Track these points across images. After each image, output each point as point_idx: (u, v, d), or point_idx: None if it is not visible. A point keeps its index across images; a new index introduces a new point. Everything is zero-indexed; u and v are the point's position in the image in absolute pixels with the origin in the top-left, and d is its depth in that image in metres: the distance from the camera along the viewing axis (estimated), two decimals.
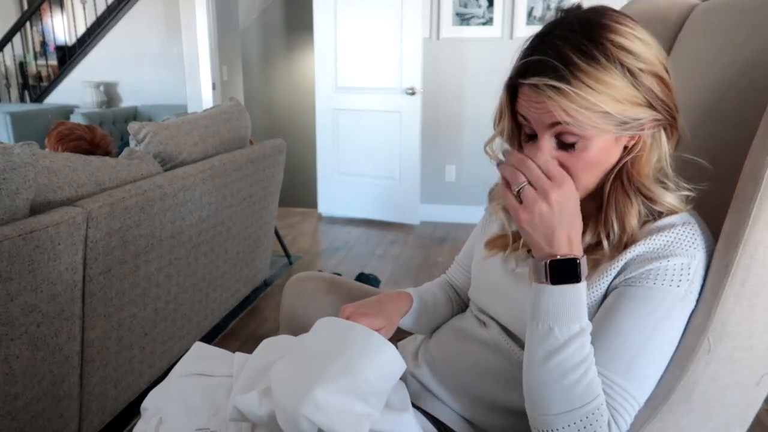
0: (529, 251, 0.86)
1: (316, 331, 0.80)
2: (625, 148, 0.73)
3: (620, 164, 0.73)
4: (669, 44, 1.06)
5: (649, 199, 0.73)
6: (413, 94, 3.70)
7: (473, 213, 3.92)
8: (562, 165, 0.71)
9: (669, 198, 0.73)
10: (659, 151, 0.73)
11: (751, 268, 0.68)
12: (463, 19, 3.77)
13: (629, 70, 0.66)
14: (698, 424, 0.74)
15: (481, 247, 0.94)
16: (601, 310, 0.73)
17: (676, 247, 0.70)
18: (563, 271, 0.68)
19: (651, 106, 0.69)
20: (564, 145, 0.70)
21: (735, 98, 0.83)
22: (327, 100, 3.97)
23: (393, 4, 3.62)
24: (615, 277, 0.73)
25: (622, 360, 0.68)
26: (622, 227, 0.73)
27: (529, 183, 0.67)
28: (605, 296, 0.74)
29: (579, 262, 0.68)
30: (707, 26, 0.97)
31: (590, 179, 0.74)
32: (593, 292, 0.74)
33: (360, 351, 0.73)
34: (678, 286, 0.69)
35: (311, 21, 3.89)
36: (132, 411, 1.74)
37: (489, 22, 3.73)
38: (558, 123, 0.68)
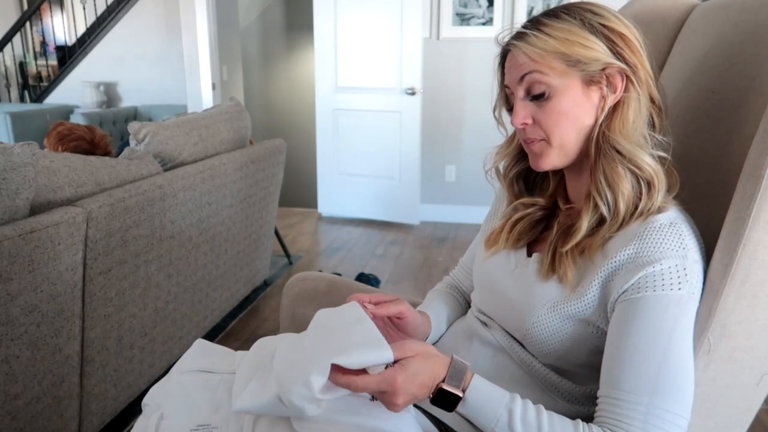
0: (528, 251, 0.87)
1: (336, 314, 0.79)
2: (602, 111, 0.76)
3: (598, 127, 0.76)
4: (669, 44, 1.06)
5: (628, 159, 0.74)
6: (413, 94, 3.70)
7: (473, 213, 3.92)
8: (535, 120, 0.78)
9: (648, 159, 0.74)
10: (634, 111, 0.74)
11: (751, 268, 0.68)
12: (463, 19, 3.76)
13: (590, 24, 0.74)
14: (698, 424, 0.74)
15: (482, 248, 0.94)
16: (611, 331, 0.72)
17: (664, 250, 0.69)
18: (446, 401, 0.71)
19: (613, 55, 0.74)
20: (535, 98, 0.77)
21: (735, 98, 0.83)
22: (327, 100, 3.97)
23: (393, 4, 3.62)
24: (608, 280, 0.72)
25: (646, 377, 0.66)
26: (614, 192, 0.74)
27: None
28: (603, 296, 0.74)
29: (444, 389, 0.70)
30: (707, 26, 0.97)
31: (564, 134, 0.77)
32: (588, 292, 0.74)
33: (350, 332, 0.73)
34: (679, 289, 0.68)
35: (311, 21, 3.89)
36: (132, 411, 1.74)
37: (489, 22, 3.73)
38: (526, 74, 0.76)
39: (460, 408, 0.71)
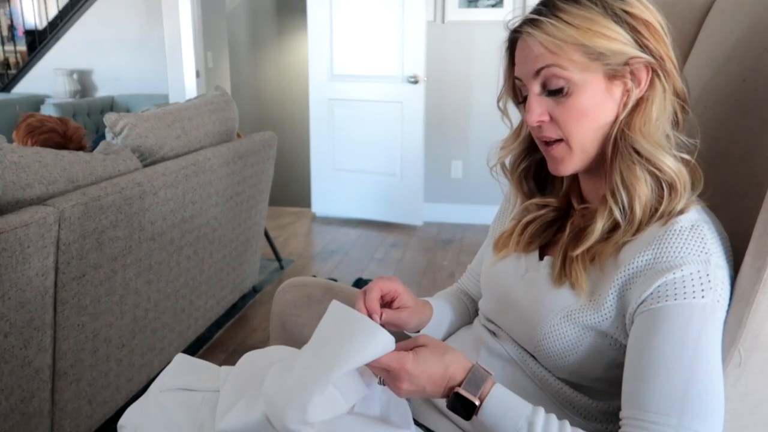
0: (540, 254, 0.87)
1: (322, 325, 0.80)
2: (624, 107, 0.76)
3: (618, 125, 0.76)
4: (696, 27, 1.06)
5: (647, 160, 0.74)
6: (416, 82, 3.70)
7: (482, 213, 3.92)
8: (552, 118, 0.77)
9: (669, 161, 0.73)
10: (658, 107, 0.74)
11: None
12: (470, 0, 3.77)
13: (612, 11, 0.73)
14: None
15: (490, 252, 0.94)
16: (630, 346, 0.72)
17: (685, 255, 0.70)
18: (463, 407, 0.72)
19: (638, 47, 0.73)
20: (552, 93, 0.76)
21: None
22: (322, 88, 3.97)
23: None
24: (625, 288, 0.73)
25: (674, 396, 0.66)
26: (630, 195, 0.74)
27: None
28: (621, 306, 0.74)
29: (459, 393, 0.72)
30: (737, 7, 0.97)
31: (583, 133, 0.77)
32: (605, 302, 0.74)
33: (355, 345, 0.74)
34: (702, 297, 0.68)
35: (304, 3, 3.89)
36: (108, 429, 1.74)
37: (499, 3, 3.73)
38: (543, 68, 0.75)
39: (477, 417, 0.72)
